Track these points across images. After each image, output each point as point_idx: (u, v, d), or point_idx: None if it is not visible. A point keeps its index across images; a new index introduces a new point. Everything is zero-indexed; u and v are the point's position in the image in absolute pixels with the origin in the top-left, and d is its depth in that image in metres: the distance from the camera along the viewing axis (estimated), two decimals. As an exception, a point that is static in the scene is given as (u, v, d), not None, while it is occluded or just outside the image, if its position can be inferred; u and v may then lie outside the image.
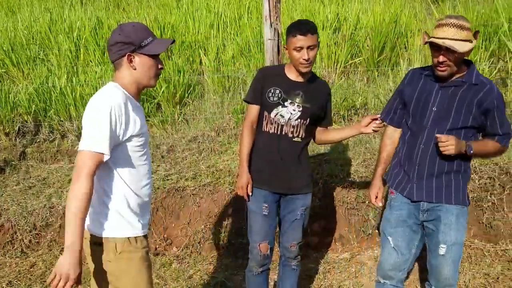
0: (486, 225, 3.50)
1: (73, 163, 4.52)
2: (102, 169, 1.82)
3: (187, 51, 5.92)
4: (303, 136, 2.61)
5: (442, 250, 2.32)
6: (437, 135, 2.18)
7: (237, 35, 6.06)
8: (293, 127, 2.56)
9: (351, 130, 2.69)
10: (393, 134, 2.53)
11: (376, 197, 2.56)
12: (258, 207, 2.61)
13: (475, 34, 2.20)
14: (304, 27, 2.42)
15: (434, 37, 2.14)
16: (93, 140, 1.74)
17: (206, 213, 3.78)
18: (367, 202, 3.68)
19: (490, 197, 3.51)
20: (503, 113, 2.23)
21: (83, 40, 5.99)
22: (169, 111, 5.10)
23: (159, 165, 4.17)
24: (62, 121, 4.96)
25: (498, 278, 3.16)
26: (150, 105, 5.13)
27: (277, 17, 3.82)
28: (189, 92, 5.34)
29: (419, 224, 2.41)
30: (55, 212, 3.86)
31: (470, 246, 3.46)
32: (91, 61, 5.80)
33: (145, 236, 1.99)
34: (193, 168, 4.07)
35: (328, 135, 2.74)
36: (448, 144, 2.14)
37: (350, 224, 3.69)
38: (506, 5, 4.88)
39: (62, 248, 3.82)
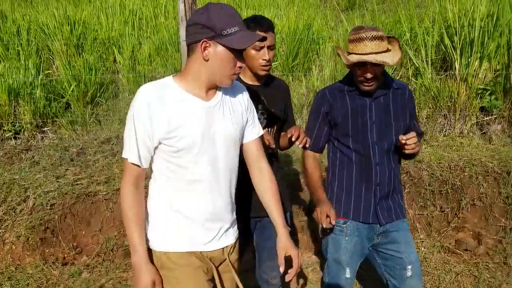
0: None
1: (-32, 166, 4.14)
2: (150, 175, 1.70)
3: (100, 48, 5.68)
4: (274, 145, 2.24)
5: (409, 272, 2.17)
6: (401, 136, 2.01)
7: (153, 34, 5.93)
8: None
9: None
10: (316, 158, 2.30)
11: (327, 216, 2.06)
12: None
13: (394, 42, 2.10)
14: (264, 23, 2.09)
15: (357, 54, 2.00)
16: (125, 146, 1.62)
17: (120, 219, 3.64)
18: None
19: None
20: None
21: (-18, 33, 5.50)
22: (79, 111, 4.84)
23: (67, 169, 3.95)
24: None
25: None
26: (57, 104, 4.84)
27: (193, 18, 3.79)
28: (101, 91, 5.13)
29: (368, 248, 2.26)
30: None
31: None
32: (-9, 56, 5.34)
33: (198, 253, 1.70)
34: (106, 171, 3.91)
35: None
36: (414, 140, 2.00)
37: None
38: (408, 15, 5.26)
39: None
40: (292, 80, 5.10)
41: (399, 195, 2.26)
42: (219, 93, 1.69)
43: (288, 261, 1.75)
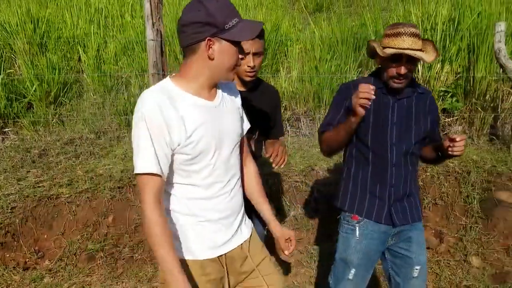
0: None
1: None
2: None
3: (64, 47, 5.55)
4: (255, 153, 2.24)
5: (415, 272, 2.17)
6: (453, 136, 1.92)
7: (120, 32, 5.83)
8: None
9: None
10: None
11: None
12: None
13: (428, 43, 2.07)
14: None
15: (394, 48, 1.96)
16: (140, 159, 1.45)
17: (83, 222, 3.57)
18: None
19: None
20: None
21: None
22: (42, 111, 4.71)
23: (29, 171, 3.83)
24: None
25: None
26: (19, 104, 4.69)
27: (159, 17, 3.75)
28: (65, 91, 5.01)
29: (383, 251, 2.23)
30: None
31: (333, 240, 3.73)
32: None
33: (216, 258, 1.65)
34: (68, 173, 3.82)
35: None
36: (464, 143, 1.94)
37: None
38: (373, 18, 5.37)
39: None
40: (260, 81, 5.11)
41: (416, 197, 2.23)
42: (219, 92, 1.64)
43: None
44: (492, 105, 4.62)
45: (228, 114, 1.65)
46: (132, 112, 4.58)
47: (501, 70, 4.16)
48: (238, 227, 1.72)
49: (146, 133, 1.44)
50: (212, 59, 1.48)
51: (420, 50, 1.98)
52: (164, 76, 3.82)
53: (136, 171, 1.46)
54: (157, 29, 3.75)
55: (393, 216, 2.13)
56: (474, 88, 4.61)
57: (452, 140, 1.93)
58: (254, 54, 2.05)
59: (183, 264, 1.57)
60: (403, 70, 1.98)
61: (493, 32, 4.00)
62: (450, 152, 1.96)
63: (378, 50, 1.99)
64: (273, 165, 2.00)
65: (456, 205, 3.75)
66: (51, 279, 3.33)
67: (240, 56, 1.55)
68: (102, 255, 3.50)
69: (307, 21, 5.92)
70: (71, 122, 4.68)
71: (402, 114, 2.11)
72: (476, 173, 3.79)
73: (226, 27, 1.44)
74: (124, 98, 4.84)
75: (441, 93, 4.63)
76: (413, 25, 1.99)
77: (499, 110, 4.56)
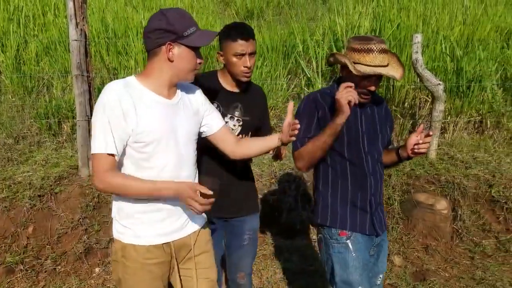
0: (285, 223, 3.89)
1: None
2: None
3: (-21, 46, 5.17)
4: None
5: (379, 280, 2.19)
6: (421, 135, 2.00)
7: (42, 32, 5.54)
8: None
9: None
10: None
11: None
12: None
13: (392, 55, 2.07)
14: (246, 31, 2.12)
15: (366, 65, 1.94)
16: (97, 140, 1.63)
17: (0, 233, 3.34)
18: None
19: (288, 198, 3.93)
20: None
21: None
22: (-47, 115, 4.35)
23: None
24: None
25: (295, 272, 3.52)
26: None
27: (83, 17, 3.62)
28: (-20, 93, 4.66)
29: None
30: None
31: (272, 244, 3.80)
32: None
33: (161, 245, 1.78)
34: (-17, 181, 3.55)
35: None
36: (430, 139, 2.02)
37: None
38: (301, 28, 5.54)
39: None
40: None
41: (383, 206, 2.24)
42: (178, 92, 1.82)
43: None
44: (410, 112, 4.94)
45: (186, 113, 1.82)
46: (53, 116, 4.38)
47: (418, 79, 4.45)
48: (187, 219, 1.85)
49: (105, 119, 1.62)
50: (172, 61, 1.70)
51: (387, 64, 1.99)
52: (88, 77, 3.68)
53: (92, 151, 1.66)
54: (81, 29, 3.62)
55: (376, 225, 2.11)
56: (394, 96, 4.90)
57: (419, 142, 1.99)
58: (250, 54, 2.13)
59: (129, 248, 1.74)
60: (373, 88, 2.00)
61: (411, 43, 4.28)
62: (416, 150, 2.00)
63: (351, 67, 1.95)
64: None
65: (378, 206, 3.95)
66: (-38, 296, 3.08)
67: (198, 61, 1.75)
68: (22, 268, 3.30)
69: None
70: (-14, 126, 4.36)
71: (368, 122, 2.13)
72: (396, 176, 4.03)
73: (185, 34, 1.68)
74: (46, 101, 4.60)
75: (365, 100, 4.86)
76: (382, 41, 1.99)
77: (416, 116, 4.88)
